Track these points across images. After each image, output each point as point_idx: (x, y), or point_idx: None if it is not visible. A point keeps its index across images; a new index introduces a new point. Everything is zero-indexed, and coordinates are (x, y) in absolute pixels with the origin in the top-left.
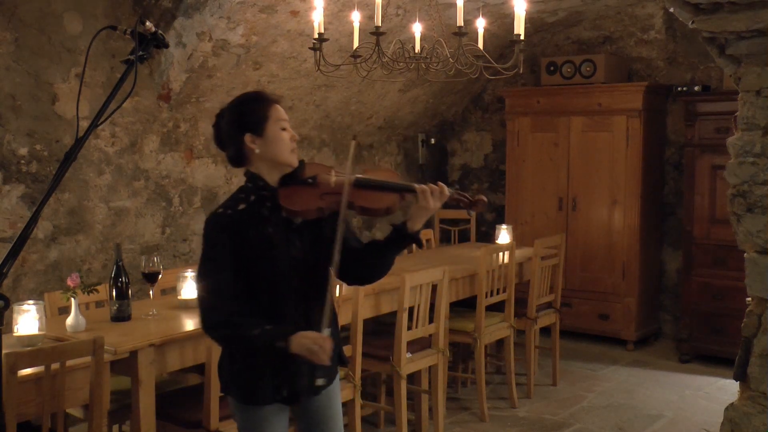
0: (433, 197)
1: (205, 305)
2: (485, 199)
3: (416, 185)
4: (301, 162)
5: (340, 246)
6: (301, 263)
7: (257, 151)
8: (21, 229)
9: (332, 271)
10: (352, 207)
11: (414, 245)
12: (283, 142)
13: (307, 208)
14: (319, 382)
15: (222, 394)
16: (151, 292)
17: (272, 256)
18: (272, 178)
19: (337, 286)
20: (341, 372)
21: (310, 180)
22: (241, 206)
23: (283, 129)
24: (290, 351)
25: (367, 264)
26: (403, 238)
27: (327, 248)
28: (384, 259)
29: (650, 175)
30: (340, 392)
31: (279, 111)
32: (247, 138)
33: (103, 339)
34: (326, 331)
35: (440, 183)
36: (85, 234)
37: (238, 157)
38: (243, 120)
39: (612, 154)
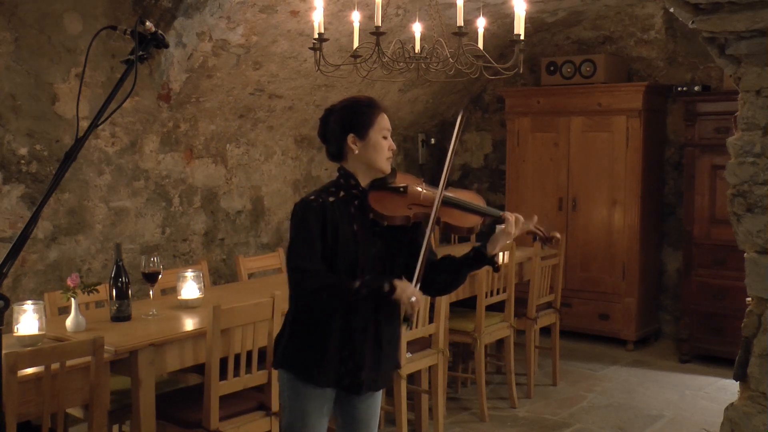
0: (516, 226)
1: (299, 277)
2: (559, 236)
3: (502, 213)
4: (393, 170)
5: (425, 255)
6: (378, 264)
7: (356, 152)
8: (21, 229)
9: (424, 249)
10: (438, 222)
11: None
12: (381, 150)
13: (395, 215)
14: (408, 329)
15: (225, 393)
16: (151, 292)
17: (354, 252)
18: (364, 180)
19: None
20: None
21: (401, 189)
22: (331, 199)
23: (384, 137)
24: (394, 296)
25: (442, 277)
26: (481, 259)
27: (402, 255)
28: (459, 275)
29: (650, 175)
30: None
31: (384, 120)
32: (350, 138)
33: (103, 339)
34: (417, 286)
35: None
36: (85, 234)
37: (337, 153)
38: (350, 121)
39: (612, 154)
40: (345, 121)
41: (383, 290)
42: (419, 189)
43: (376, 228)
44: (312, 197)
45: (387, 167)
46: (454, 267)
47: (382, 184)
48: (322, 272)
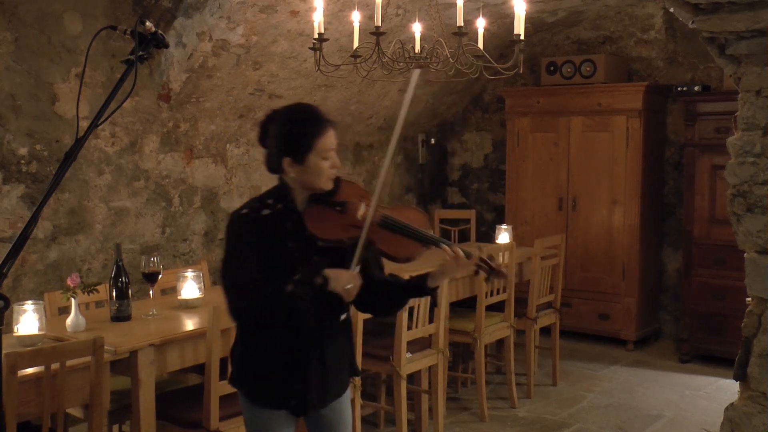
0: (457, 264)
1: (235, 294)
2: (505, 271)
3: (444, 244)
4: (336, 180)
5: (368, 229)
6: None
7: (292, 175)
8: (21, 229)
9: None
10: (372, 247)
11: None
12: (320, 173)
13: (327, 237)
14: (343, 316)
15: (225, 393)
16: (151, 292)
17: (288, 271)
18: (303, 194)
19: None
20: None
21: (338, 207)
22: (266, 212)
23: (326, 158)
24: (328, 287)
25: (381, 300)
26: (420, 291)
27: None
28: (397, 302)
29: (650, 175)
30: (350, 403)
31: (327, 140)
32: (286, 161)
33: (103, 339)
34: (356, 269)
35: (463, 251)
36: (85, 234)
37: (275, 168)
38: (287, 142)
39: (612, 154)
40: (282, 142)
41: (317, 285)
42: (359, 208)
43: (315, 245)
44: (245, 211)
45: (327, 186)
46: (394, 293)
47: (321, 198)
48: (257, 285)
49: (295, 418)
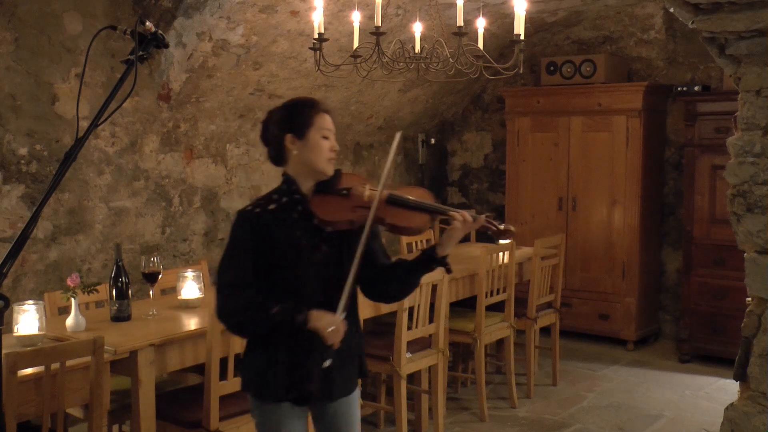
0: (465, 226)
1: (223, 294)
2: (513, 229)
3: (451, 211)
4: (337, 171)
5: (359, 260)
6: (324, 270)
7: (295, 152)
8: (21, 229)
9: (356, 262)
10: (383, 223)
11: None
12: (321, 150)
13: (338, 219)
14: (326, 363)
15: (225, 393)
16: (151, 292)
17: (296, 260)
18: (307, 183)
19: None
20: None
21: (344, 191)
22: (272, 206)
23: (325, 138)
24: (308, 326)
25: (392, 283)
26: (431, 262)
27: (351, 260)
28: (409, 280)
29: (650, 175)
30: (358, 404)
31: (325, 120)
32: (288, 138)
33: (103, 339)
34: (342, 315)
35: (470, 215)
36: (85, 234)
37: (278, 156)
38: (288, 121)
39: (612, 154)
40: (283, 122)
41: (296, 321)
42: (363, 190)
43: (323, 234)
44: (249, 207)
45: (328, 169)
46: (405, 272)
47: (325, 187)
48: (247, 291)
49: (301, 411)
